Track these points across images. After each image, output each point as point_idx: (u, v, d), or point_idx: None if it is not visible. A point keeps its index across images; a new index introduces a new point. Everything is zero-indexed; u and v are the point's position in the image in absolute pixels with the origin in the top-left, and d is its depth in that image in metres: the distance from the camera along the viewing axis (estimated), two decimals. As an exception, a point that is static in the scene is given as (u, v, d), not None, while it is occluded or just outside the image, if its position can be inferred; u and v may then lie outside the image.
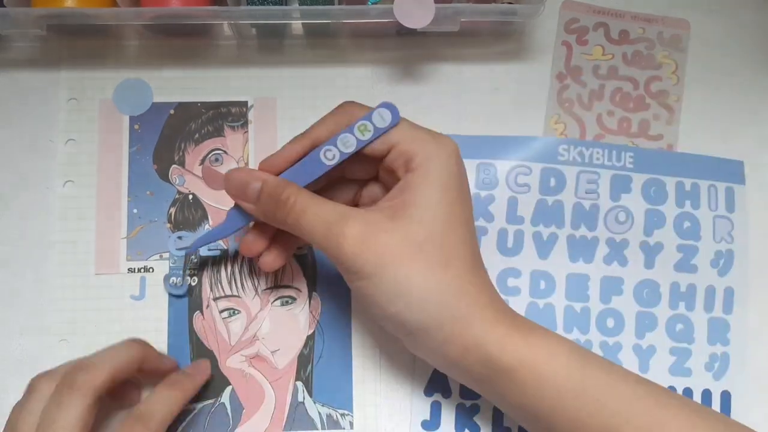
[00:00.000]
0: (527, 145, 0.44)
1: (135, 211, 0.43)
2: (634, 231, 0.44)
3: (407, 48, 0.45)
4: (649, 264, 0.44)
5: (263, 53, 0.45)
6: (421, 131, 0.35)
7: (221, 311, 0.42)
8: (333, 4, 0.41)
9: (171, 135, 0.44)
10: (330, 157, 0.36)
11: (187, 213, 0.43)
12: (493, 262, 0.43)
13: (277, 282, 0.42)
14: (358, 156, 0.36)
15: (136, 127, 0.44)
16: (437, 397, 0.42)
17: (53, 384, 0.34)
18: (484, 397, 0.37)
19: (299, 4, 0.42)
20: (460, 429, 0.42)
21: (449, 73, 0.45)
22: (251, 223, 0.38)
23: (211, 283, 0.42)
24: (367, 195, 0.39)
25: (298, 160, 0.36)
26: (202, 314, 0.42)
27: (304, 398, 0.41)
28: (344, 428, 0.41)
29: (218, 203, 0.43)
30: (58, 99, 0.44)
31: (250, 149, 0.44)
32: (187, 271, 0.42)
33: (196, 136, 0.44)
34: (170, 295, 0.42)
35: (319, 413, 0.41)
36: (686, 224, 0.44)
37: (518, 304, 0.43)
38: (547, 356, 0.33)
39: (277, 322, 0.42)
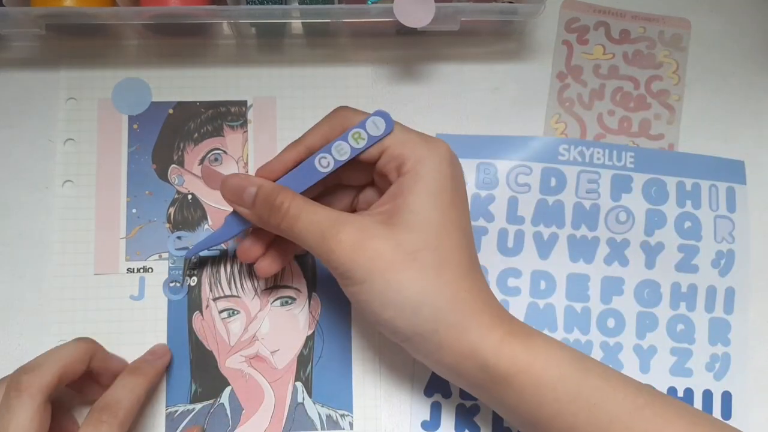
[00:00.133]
0: (528, 144, 0.44)
1: (134, 211, 0.43)
2: (635, 231, 0.44)
3: (407, 48, 0.45)
4: (649, 264, 0.43)
5: (263, 53, 0.45)
6: (412, 135, 0.35)
7: (221, 311, 0.42)
8: (333, 4, 0.41)
9: (170, 135, 0.44)
10: (325, 164, 0.36)
11: (187, 213, 0.43)
12: (494, 262, 0.43)
13: (276, 282, 0.42)
14: (354, 162, 0.36)
15: (135, 126, 0.44)
16: (437, 397, 0.42)
17: (2, 390, 0.34)
18: (482, 402, 0.37)
19: (299, 4, 0.42)
20: (460, 429, 0.41)
21: (449, 73, 0.45)
22: (249, 229, 0.38)
23: (210, 283, 0.42)
24: (364, 200, 0.39)
25: (295, 166, 0.36)
26: (202, 314, 0.42)
27: (303, 399, 0.41)
28: (344, 429, 0.41)
29: (218, 203, 0.43)
30: (57, 99, 0.44)
31: (250, 149, 0.44)
32: (187, 273, 0.42)
33: (196, 135, 0.44)
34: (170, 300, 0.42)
35: (319, 414, 0.41)
36: (687, 224, 0.44)
37: (518, 305, 0.43)
38: (544, 362, 0.33)
39: (277, 322, 0.42)
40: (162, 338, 0.42)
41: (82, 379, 0.37)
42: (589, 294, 0.43)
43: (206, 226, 0.43)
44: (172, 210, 0.43)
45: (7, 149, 0.43)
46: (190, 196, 0.43)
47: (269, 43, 0.45)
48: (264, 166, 0.37)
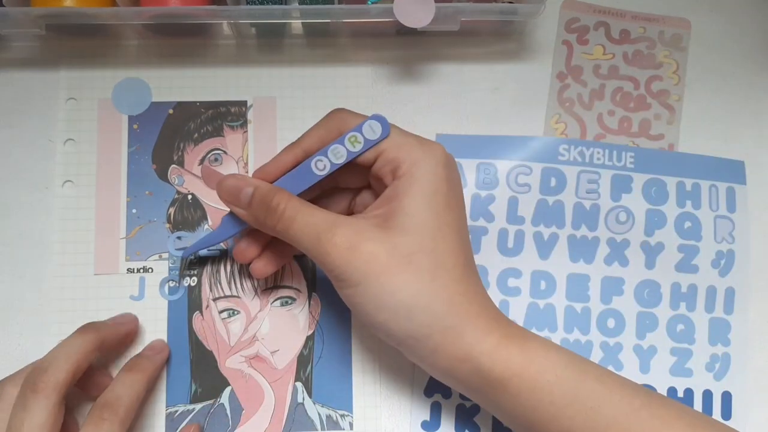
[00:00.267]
0: (528, 144, 0.44)
1: (134, 211, 0.43)
2: (635, 231, 0.44)
3: (407, 48, 0.45)
4: (649, 264, 0.43)
5: (263, 53, 0.45)
6: (408, 138, 0.35)
7: (221, 312, 0.42)
8: (333, 4, 0.41)
9: (170, 135, 0.44)
10: (321, 167, 0.36)
11: (186, 213, 0.43)
12: (494, 263, 0.43)
13: (276, 282, 0.42)
14: (350, 165, 0.36)
15: (135, 126, 0.44)
16: (437, 397, 0.42)
17: (18, 388, 0.35)
18: (479, 405, 0.36)
19: (299, 4, 0.42)
20: (460, 430, 0.41)
21: (449, 73, 0.45)
22: (246, 229, 0.38)
23: (210, 283, 0.42)
24: (360, 203, 0.39)
25: (291, 169, 0.36)
26: (202, 315, 0.42)
27: (303, 399, 0.41)
28: (344, 429, 0.41)
29: (217, 203, 0.43)
30: (57, 99, 0.44)
31: (250, 149, 0.44)
32: (185, 273, 0.42)
33: (195, 135, 0.44)
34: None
35: (319, 414, 0.41)
36: (687, 224, 0.44)
37: (519, 305, 0.43)
38: (540, 366, 0.33)
39: (277, 322, 0.42)
40: (161, 338, 0.42)
41: (82, 374, 0.37)
42: (589, 294, 0.43)
43: (206, 227, 0.43)
44: (172, 210, 0.43)
45: (7, 149, 0.43)
46: (190, 197, 0.43)
47: (269, 43, 0.45)
48: (260, 169, 0.37)
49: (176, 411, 0.41)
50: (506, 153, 0.44)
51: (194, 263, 0.42)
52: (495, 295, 0.43)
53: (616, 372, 0.35)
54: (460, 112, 0.45)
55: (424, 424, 0.41)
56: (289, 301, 0.42)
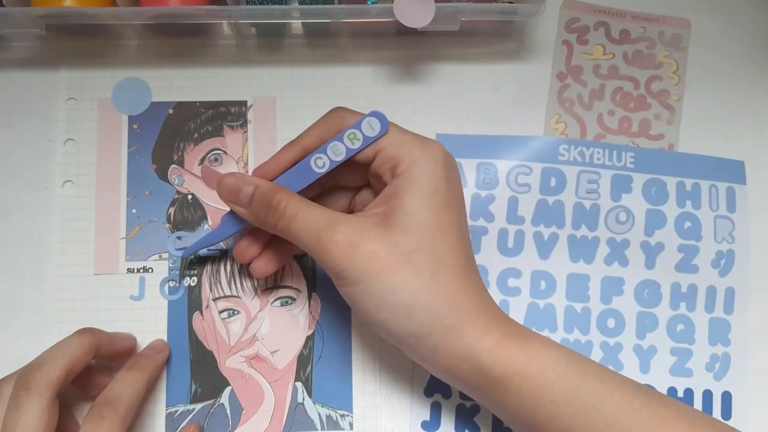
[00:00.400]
0: (528, 144, 0.44)
1: (134, 211, 0.43)
2: (635, 231, 0.44)
3: (407, 48, 0.45)
4: (649, 264, 0.43)
5: (263, 53, 0.45)
6: (408, 136, 0.35)
7: (221, 312, 0.42)
8: (333, 4, 0.41)
9: (170, 135, 0.44)
10: (320, 165, 0.36)
11: (186, 213, 0.43)
12: (494, 263, 0.43)
13: (276, 282, 0.42)
14: (350, 163, 0.36)
15: (135, 126, 0.44)
16: (437, 397, 0.42)
17: (6, 386, 0.35)
18: (480, 404, 0.36)
19: (299, 4, 0.42)
20: (460, 430, 0.41)
21: (449, 73, 0.45)
22: (246, 229, 0.38)
23: (210, 283, 0.42)
24: (360, 201, 0.39)
25: (290, 167, 0.36)
26: (202, 315, 0.42)
27: (303, 399, 0.41)
28: (344, 429, 0.41)
29: (217, 203, 0.43)
30: (57, 99, 0.44)
31: (250, 149, 0.44)
32: (185, 273, 0.42)
33: (195, 135, 0.44)
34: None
35: (319, 414, 0.41)
36: (687, 224, 0.44)
37: (519, 305, 0.43)
38: (541, 364, 0.33)
39: (277, 322, 0.42)
40: (162, 338, 0.42)
41: (82, 374, 0.37)
42: (589, 294, 0.43)
43: (206, 227, 0.43)
44: (172, 210, 0.43)
45: (7, 149, 0.43)
46: (190, 197, 0.43)
47: (269, 43, 0.45)
48: (260, 167, 0.37)
49: (176, 411, 0.41)
50: (506, 153, 0.44)
51: (194, 263, 0.42)
52: (495, 294, 0.43)
53: (617, 372, 0.35)
54: (460, 112, 0.45)
55: (424, 424, 0.41)
56: (289, 301, 0.42)
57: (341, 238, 0.33)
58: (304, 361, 0.42)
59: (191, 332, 0.42)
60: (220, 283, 0.42)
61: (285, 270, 0.43)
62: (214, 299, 0.42)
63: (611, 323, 0.43)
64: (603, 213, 0.44)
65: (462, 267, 0.34)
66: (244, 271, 0.42)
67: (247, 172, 0.43)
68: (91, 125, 0.43)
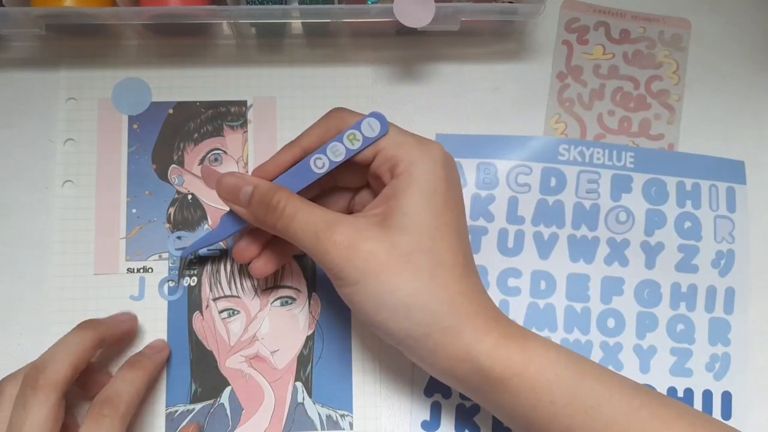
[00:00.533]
0: (527, 144, 0.44)
1: (134, 211, 0.43)
2: (635, 231, 0.44)
3: (407, 48, 0.45)
4: (649, 264, 0.43)
5: (263, 53, 0.45)
6: (407, 137, 0.35)
7: (221, 311, 0.42)
8: (333, 4, 0.41)
9: (170, 135, 0.44)
10: (320, 165, 0.36)
11: (186, 213, 0.43)
12: (494, 262, 0.43)
13: (276, 282, 0.42)
14: (349, 164, 0.36)
15: (135, 126, 0.44)
16: (437, 397, 0.42)
17: (18, 387, 0.35)
18: (479, 404, 0.36)
19: (299, 4, 0.42)
20: (460, 430, 0.41)
21: (449, 73, 0.45)
22: (245, 229, 0.38)
23: (210, 283, 0.42)
24: (360, 202, 0.39)
25: (290, 167, 0.36)
26: (202, 314, 0.42)
27: (303, 399, 0.41)
28: (344, 429, 0.41)
29: (217, 203, 0.43)
30: (57, 99, 0.44)
31: (250, 149, 0.44)
32: (185, 273, 0.42)
33: (195, 135, 0.44)
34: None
35: (319, 414, 0.41)
36: (687, 224, 0.44)
37: (519, 305, 0.43)
38: (539, 365, 0.33)
39: (277, 322, 0.42)
40: (162, 338, 0.42)
41: (81, 372, 0.37)
42: (589, 294, 0.43)
43: (206, 226, 0.43)
44: (172, 210, 0.43)
45: (7, 149, 0.43)
46: (190, 196, 0.43)
47: (269, 43, 0.45)
48: (259, 167, 0.37)
49: (176, 411, 0.41)
50: (506, 153, 0.44)
51: (194, 263, 0.42)
52: (495, 295, 0.43)
53: (616, 372, 0.35)
54: (460, 112, 0.45)
55: (424, 424, 0.41)
56: (289, 301, 0.42)
57: (340, 238, 0.33)
58: (304, 361, 0.42)
59: (191, 332, 0.42)
60: (220, 283, 0.42)
61: (285, 270, 0.43)
62: (214, 299, 0.42)
63: (611, 323, 0.43)
64: (603, 213, 0.44)
65: (461, 267, 0.34)
66: (244, 271, 0.42)
67: (246, 172, 0.43)
68: (91, 125, 0.43)
